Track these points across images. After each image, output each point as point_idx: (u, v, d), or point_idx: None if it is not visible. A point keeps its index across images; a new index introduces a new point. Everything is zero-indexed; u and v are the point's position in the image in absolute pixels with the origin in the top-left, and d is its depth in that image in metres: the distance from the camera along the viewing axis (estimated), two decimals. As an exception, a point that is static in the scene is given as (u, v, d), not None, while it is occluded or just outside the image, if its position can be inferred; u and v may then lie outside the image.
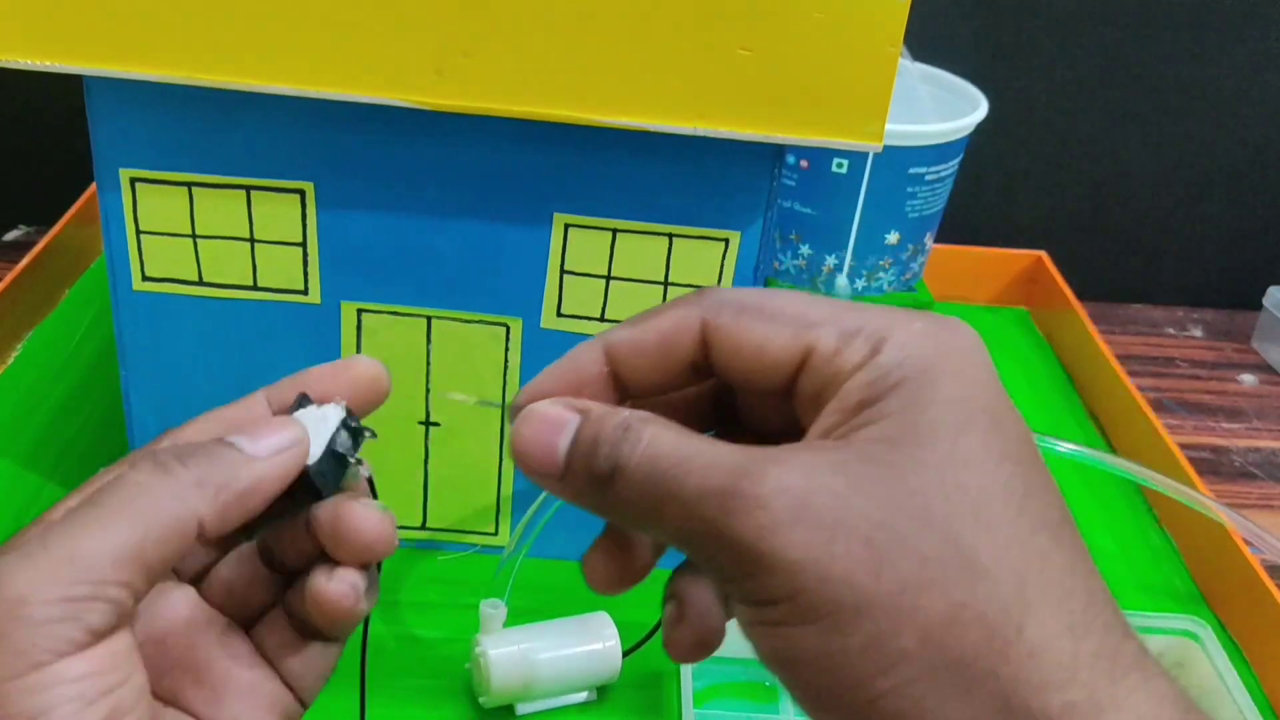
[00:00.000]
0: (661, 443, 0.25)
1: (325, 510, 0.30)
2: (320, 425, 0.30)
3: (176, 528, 0.26)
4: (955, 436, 0.24)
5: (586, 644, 0.50)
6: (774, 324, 0.26)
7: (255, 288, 0.51)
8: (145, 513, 0.26)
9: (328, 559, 0.30)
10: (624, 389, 0.29)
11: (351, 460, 0.31)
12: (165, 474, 0.27)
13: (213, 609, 0.31)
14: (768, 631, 0.24)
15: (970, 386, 0.25)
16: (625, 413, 0.26)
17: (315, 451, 0.30)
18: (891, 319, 0.26)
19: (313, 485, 0.30)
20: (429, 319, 0.52)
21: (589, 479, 0.26)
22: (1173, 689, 0.23)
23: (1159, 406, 0.79)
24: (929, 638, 0.23)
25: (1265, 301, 0.86)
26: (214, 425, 0.31)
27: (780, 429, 0.28)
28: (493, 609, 0.49)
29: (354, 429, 0.31)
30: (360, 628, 0.32)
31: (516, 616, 0.50)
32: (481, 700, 0.50)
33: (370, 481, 0.32)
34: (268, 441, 0.29)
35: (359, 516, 0.30)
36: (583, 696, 0.51)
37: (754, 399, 0.29)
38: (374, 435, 0.31)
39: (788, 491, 0.23)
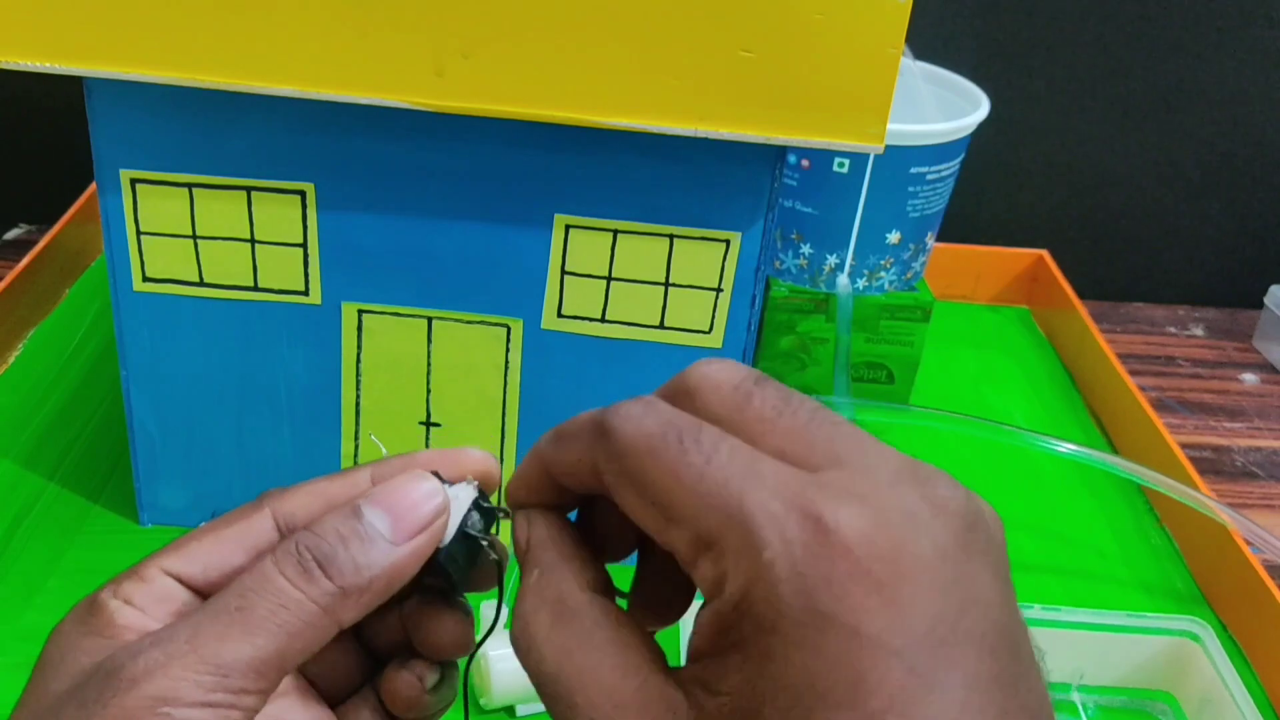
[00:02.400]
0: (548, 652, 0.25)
1: (410, 602, 0.30)
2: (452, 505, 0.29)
3: (318, 638, 0.26)
4: None
5: (587, 645, 0.50)
6: (638, 505, 0.24)
7: (256, 288, 0.51)
8: (290, 626, 0.26)
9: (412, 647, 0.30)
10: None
11: (484, 543, 0.29)
12: (310, 583, 0.26)
13: (305, 681, 0.31)
14: None
15: (831, 654, 0.20)
16: (521, 609, 0.26)
17: (447, 534, 0.28)
18: (758, 528, 0.21)
19: (442, 569, 0.28)
20: (429, 319, 0.52)
21: None
22: None
23: (1160, 406, 0.79)
24: None
25: (1266, 300, 0.86)
26: (317, 501, 0.29)
27: None
28: (493, 610, 0.49)
29: (486, 509, 0.29)
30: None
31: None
32: (482, 701, 0.50)
33: (499, 566, 0.30)
34: (410, 521, 0.28)
35: (437, 617, 0.30)
36: (583, 697, 0.51)
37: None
38: (508, 515, 0.29)
39: None
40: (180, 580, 0.28)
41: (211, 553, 0.28)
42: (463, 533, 0.28)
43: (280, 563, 0.26)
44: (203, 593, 0.28)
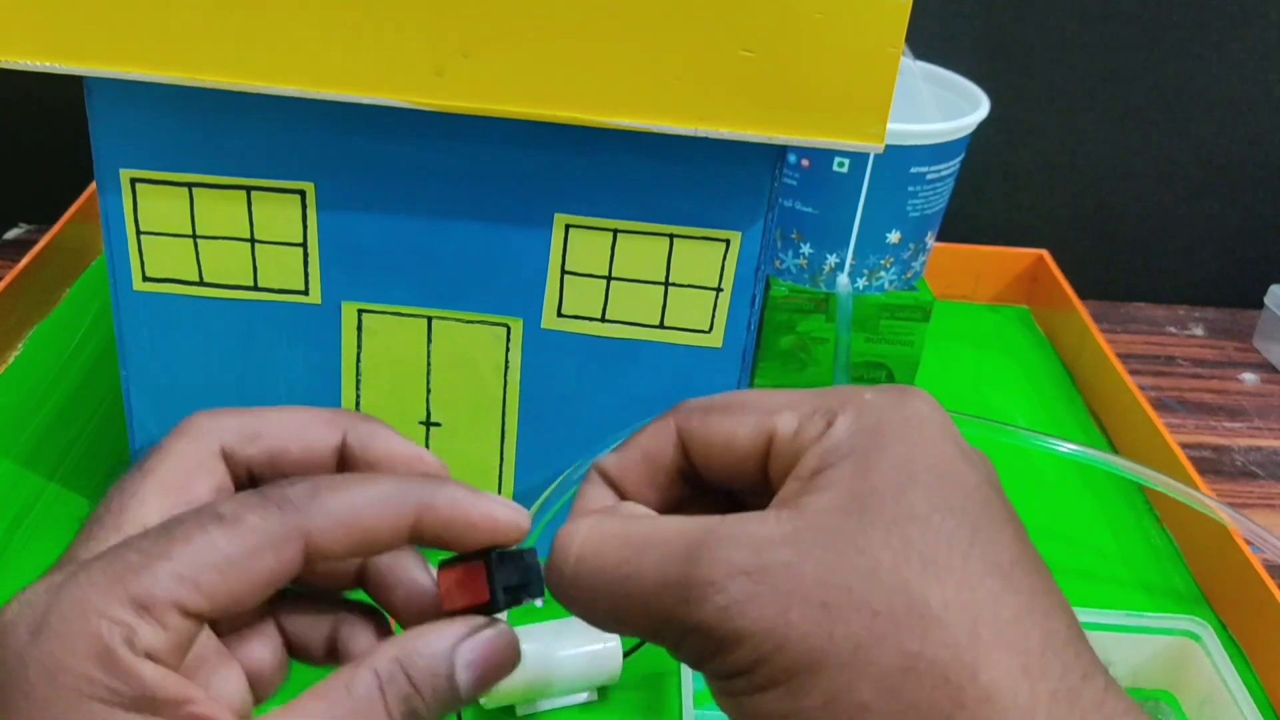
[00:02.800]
0: (596, 542, 0.28)
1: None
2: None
3: None
4: (899, 495, 0.25)
5: (587, 645, 0.50)
6: (738, 416, 0.28)
7: (256, 288, 0.51)
8: None
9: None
10: None
11: (525, 599, 0.29)
12: None
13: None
14: (736, 700, 0.25)
15: (916, 447, 0.26)
16: (559, 538, 0.28)
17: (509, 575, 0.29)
18: (845, 396, 0.28)
19: (493, 587, 0.29)
20: (429, 319, 0.52)
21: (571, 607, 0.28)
22: None
23: (1160, 405, 0.79)
24: (885, 689, 0.23)
25: (1267, 300, 0.86)
26: (353, 534, 0.28)
27: None
28: (493, 610, 0.49)
29: (538, 574, 0.29)
30: None
31: (517, 617, 0.50)
32: (482, 701, 0.50)
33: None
34: (490, 682, 0.28)
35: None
36: (583, 697, 0.51)
37: (742, 499, 0.30)
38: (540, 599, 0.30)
39: (741, 571, 0.25)
40: (198, 618, 0.25)
41: (237, 589, 0.26)
42: (515, 583, 0.29)
43: (391, 706, 0.26)
44: (210, 621, 0.26)
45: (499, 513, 0.29)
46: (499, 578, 0.29)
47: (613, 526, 0.28)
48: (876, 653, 0.23)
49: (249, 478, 0.30)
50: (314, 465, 0.30)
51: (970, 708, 0.23)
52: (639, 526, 0.27)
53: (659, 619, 0.26)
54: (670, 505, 0.30)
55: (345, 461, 0.30)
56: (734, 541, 0.25)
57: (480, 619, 0.29)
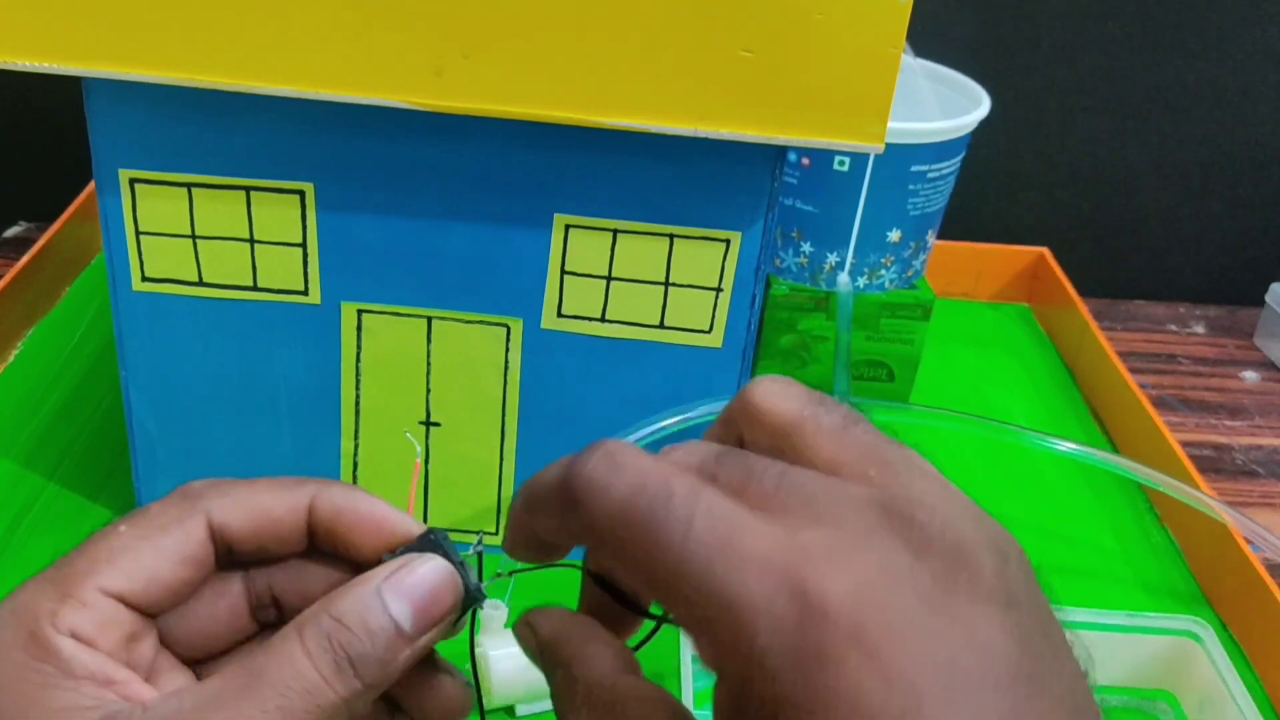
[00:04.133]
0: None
1: (416, 680, 0.29)
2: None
3: None
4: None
5: (587, 645, 0.50)
6: (634, 578, 0.25)
7: (255, 288, 0.51)
8: (304, 716, 0.25)
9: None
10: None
11: (479, 608, 0.29)
12: (341, 680, 0.26)
13: None
14: None
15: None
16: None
17: None
18: (750, 608, 0.21)
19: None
20: (429, 319, 0.52)
21: None
22: None
23: (1160, 403, 0.79)
24: None
25: (1268, 298, 0.86)
26: (254, 514, 0.29)
27: None
28: (493, 610, 0.49)
29: (459, 562, 0.29)
30: None
31: (517, 617, 0.50)
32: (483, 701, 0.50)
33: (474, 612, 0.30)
34: (430, 615, 0.27)
35: (432, 684, 0.29)
36: (584, 697, 0.51)
37: None
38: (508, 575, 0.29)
39: None
40: (122, 600, 0.27)
41: (151, 566, 0.27)
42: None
43: (316, 658, 0.26)
44: (141, 609, 0.28)
45: (388, 512, 0.29)
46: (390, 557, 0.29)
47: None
48: None
49: (228, 549, 0.30)
50: (286, 521, 0.30)
51: None
52: None
53: None
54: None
55: (317, 522, 0.30)
56: None
57: (405, 557, 0.28)
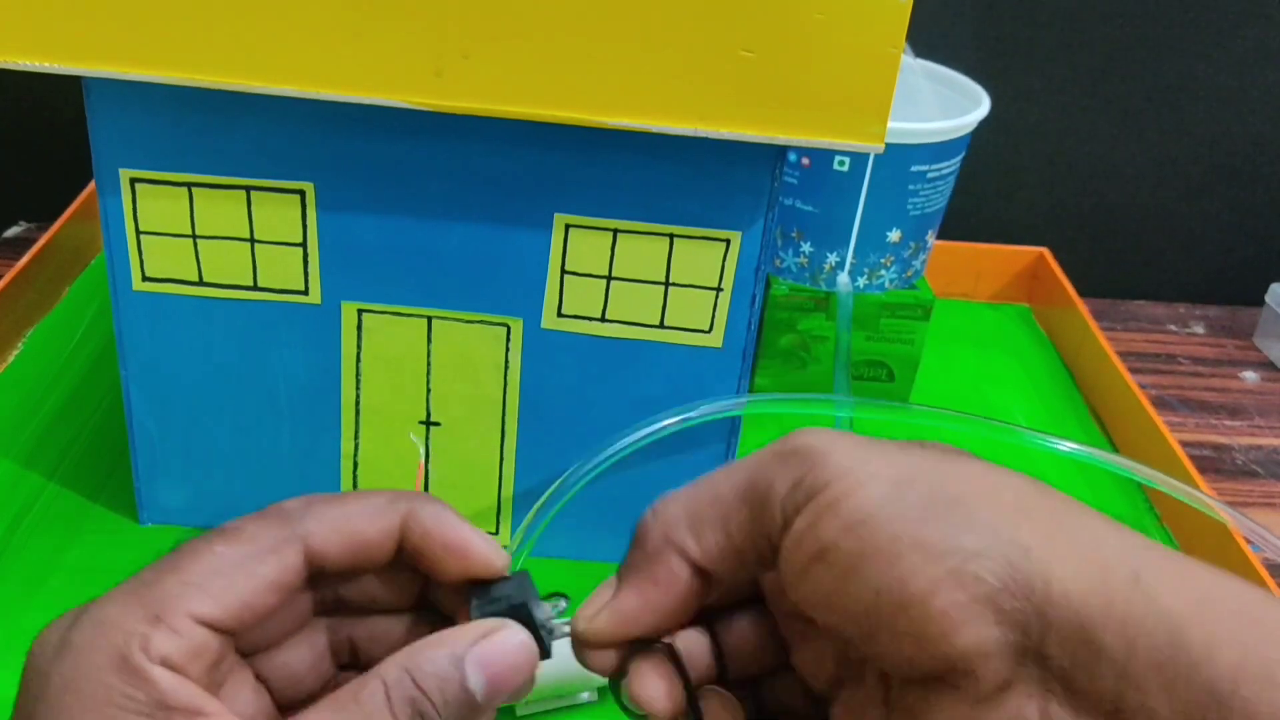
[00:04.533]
0: None
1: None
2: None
3: None
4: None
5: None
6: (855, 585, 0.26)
7: (255, 288, 0.51)
8: None
9: None
10: (706, 587, 0.29)
11: (549, 642, 0.29)
12: None
13: None
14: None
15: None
16: None
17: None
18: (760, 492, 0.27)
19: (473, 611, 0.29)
20: (429, 319, 0.52)
21: None
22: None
23: (1160, 404, 0.79)
24: None
25: (1267, 298, 0.86)
26: (346, 538, 0.29)
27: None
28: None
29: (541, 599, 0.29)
30: None
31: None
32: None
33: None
34: (505, 689, 0.28)
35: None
36: (584, 697, 0.51)
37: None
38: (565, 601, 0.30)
39: None
40: (214, 628, 0.27)
41: (245, 594, 0.27)
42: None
43: (397, 712, 0.26)
44: (232, 636, 0.27)
45: (474, 540, 0.29)
46: (478, 605, 0.29)
47: None
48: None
49: (319, 568, 0.30)
50: (379, 544, 0.30)
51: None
52: None
53: None
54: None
55: (405, 542, 0.30)
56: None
57: (490, 622, 0.28)
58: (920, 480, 0.26)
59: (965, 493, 0.25)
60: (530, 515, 0.49)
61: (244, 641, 0.29)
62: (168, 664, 0.25)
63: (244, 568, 0.27)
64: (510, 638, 0.28)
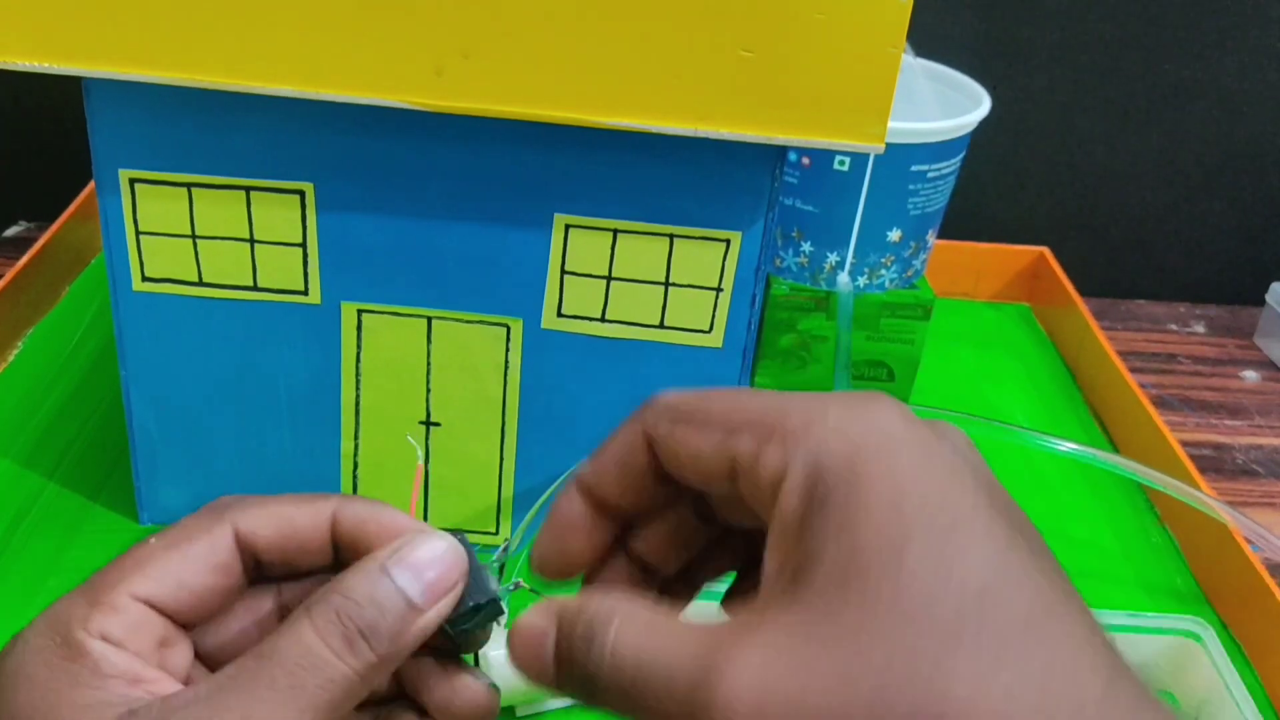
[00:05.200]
0: (624, 647, 0.24)
1: (439, 682, 0.30)
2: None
3: (351, 706, 0.27)
4: (897, 568, 0.22)
5: (587, 645, 0.50)
6: (702, 432, 0.26)
7: (255, 288, 0.51)
8: (335, 699, 0.26)
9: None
10: (614, 518, 0.29)
11: (501, 611, 0.29)
12: (354, 655, 0.26)
13: None
14: None
15: (899, 484, 0.23)
16: (590, 610, 0.25)
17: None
18: (808, 412, 0.24)
19: (447, 633, 0.29)
20: (429, 319, 0.52)
21: (578, 690, 0.26)
22: None
23: (1161, 403, 0.79)
24: None
25: (1268, 298, 0.86)
26: (278, 523, 0.30)
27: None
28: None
29: (481, 573, 0.29)
30: None
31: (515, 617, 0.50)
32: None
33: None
34: (438, 586, 0.28)
35: (453, 682, 0.30)
36: (584, 697, 0.51)
37: (721, 499, 0.29)
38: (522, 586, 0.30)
39: (743, 699, 0.22)
40: (152, 605, 0.28)
41: (179, 573, 0.28)
42: (474, 600, 0.29)
43: (324, 633, 0.26)
44: (172, 616, 0.28)
45: (411, 524, 0.30)
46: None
47: (632, 614, 0.25)
48: None
49: (256, 561, 0.31)
50: (310, 531, 0.31)
51: None
52: (657, 620, 0.25)
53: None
54: (649, 505, 0.29)
55: (339, 533, 0.31)
56: (739, 658, 0.22)
57: (409, 535, 0.29)
58: None
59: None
60: (530, 515, 0.49)
61: (215, 649, 0.30)
62: (106, 638, 0.27)
63: (176, 549, 0.29)
64: (428, 539, 0.29)
